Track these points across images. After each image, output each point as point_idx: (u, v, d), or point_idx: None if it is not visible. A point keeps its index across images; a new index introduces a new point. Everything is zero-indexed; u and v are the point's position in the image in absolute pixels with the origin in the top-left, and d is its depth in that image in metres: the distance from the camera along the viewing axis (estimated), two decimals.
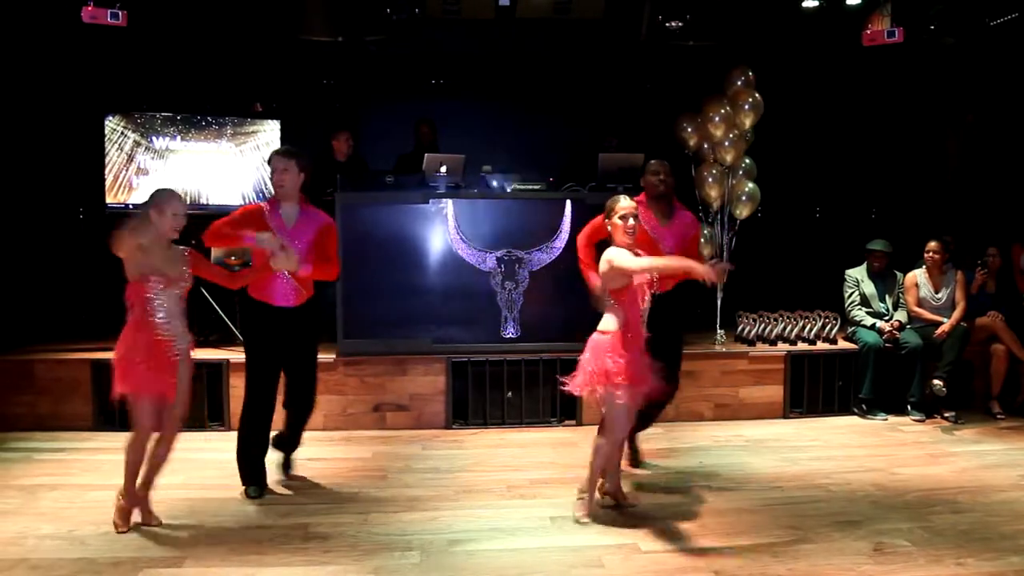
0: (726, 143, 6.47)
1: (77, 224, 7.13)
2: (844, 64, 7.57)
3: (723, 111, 6.43)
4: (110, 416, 5.70)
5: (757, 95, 6.44)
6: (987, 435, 5.77)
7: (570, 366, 5.95)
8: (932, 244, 6.34)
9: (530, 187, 6.14)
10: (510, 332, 6.02)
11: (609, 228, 4.10)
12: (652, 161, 4.81)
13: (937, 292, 6.33)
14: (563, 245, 6.01)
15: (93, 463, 5.04)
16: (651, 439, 5.68)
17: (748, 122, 6.41)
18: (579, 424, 5.97)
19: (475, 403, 5.95)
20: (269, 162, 4.45)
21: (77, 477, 4.78)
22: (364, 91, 8.19)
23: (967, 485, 4.66)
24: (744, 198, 6.53)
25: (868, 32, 6.39)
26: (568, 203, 6.03)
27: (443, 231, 5.95)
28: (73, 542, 3.86)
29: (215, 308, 6.15)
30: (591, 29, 7.49)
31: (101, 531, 3.97)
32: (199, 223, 6.41)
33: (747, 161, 6.61)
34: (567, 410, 6.04)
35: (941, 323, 6.18)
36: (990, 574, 3.56)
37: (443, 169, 5.97)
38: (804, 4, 6.59)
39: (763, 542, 3.87)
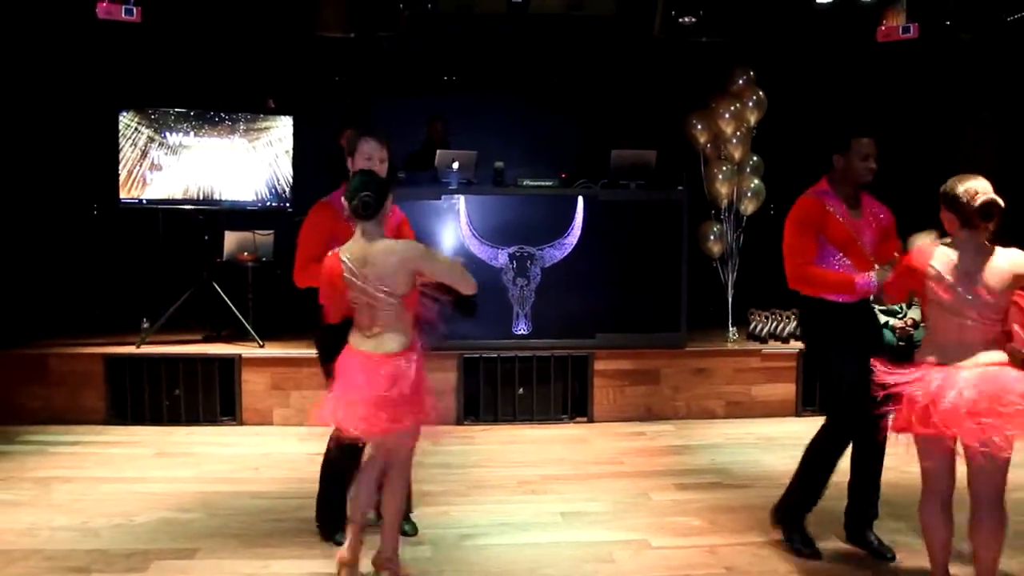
0: (734, 140, 6.50)
1: (91, 219, 7.17)
2: (857, 60, 7.52)
3: (733, 107, 6.44)
4: (122, 411, 5.75)
5: (761, 92, 6.49)
6: None
7: (581, 363, 6.05)
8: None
9: (542, 183, 6.13)
10: (522, 328, 6.02)
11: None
12: (861, 140, 3.72)
13: None
14: (575, 242, 6.01)
15: (106, 456, 5.08)
16: (662, 436, 5.69)
17: (753, 119, 6.47)
18: (591, 421, 5.96)
19: (486, 399, 5.95)
20: (352, 145, 3.72)
21: (90, 470, 4.81)
22: (376, 87, 8.20)
23: None
24: (749, 194, 6.55)
25: (883, 28, 6.33)
26: (580, 199, 6.03)
27: (455, 227, 5.95)
28: (87, 533, 3.88)
29: (228, 304, 6.17)
30: (603, 25, 7.48)
31: (114, 523, 4.00)
32: (214, 219, 6.54)
33: (755, 158, 6.63)
34: (579, 407, 6.04)
35: None
36: (1008, 573, 3.53)
37: (455, 165, 5.98)
38: (818, 0, 6.55)
39: (775, 539, 3.85)
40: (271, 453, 5.16)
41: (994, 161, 7.63)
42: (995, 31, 6.72)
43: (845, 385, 3.60)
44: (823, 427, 3.78)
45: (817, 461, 3.76)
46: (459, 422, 5.88)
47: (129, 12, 5.54)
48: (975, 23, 6.56)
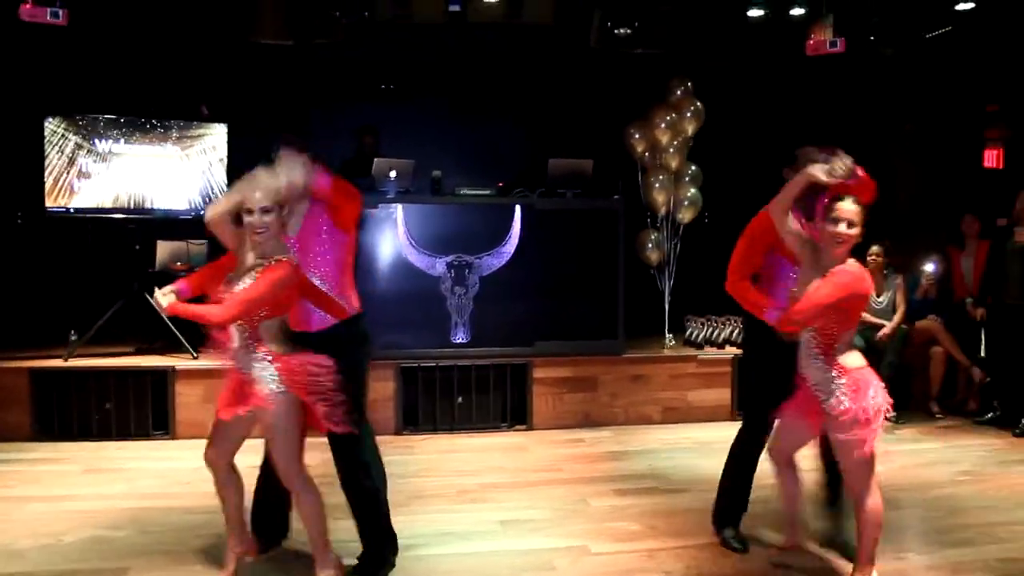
0: (671, 150, 6.60)
1: (15, 228, 6.94)
2: (791, 74, 7.72)
3: (669, 118, 6.55)
4: (49, 426, 5.57)
5: (699, 103, 6.61)
6: (926, 434, 5.93)
7: (520, 371, 6.07)
8: (874, 248, 6.47)
9: (479, 192, 6.15)
10: (460, 337, 6.02)
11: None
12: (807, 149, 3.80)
13: (879, 296, 6.46)
14: (513, 250, 6.04)
15: (32, 475, 4.90)
16: (600, 442, 5.74)
17: (691, 129, 6.60)
18: (530, 429, 5.99)
19: (425, 409, 5.93)
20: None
21: (15, 489, 4.64)
22: (313, 95, 8.12)
23: (906, 483, 4.78)
24: (686, 203, 6.67)
25: (811, 42, 6.52)
26: (518, 208, 6.06)
27: (393, 236, 5.93)
28: (12, 556, 3.74)
29: (160, 315, 6.02)
30: (541, 35, 7.54)
31: (40, 543, 3.87)
32: (145, 228, 6.38)
33: (693, 168, 6.74)
34: (517, 415, 6.06)
35: (883, 326, 6.33)
36: (928, 567, 3.69)
37: (392, 174, 5.95)
38: (750, 14, 6.71)
39: (711, 542, 3.92)
40: (204, 467, 5.04)
41: (917, 174, 7.91)
42: (916, 47, 6.98)
43: (766, 395, 3.74)
44: (741, 433, 3.96)
45: (740, 465, 3.94)
46: (398, 432, 5.85)
47: (55, 15, 5.38)
48: (897, 39, 6.80)
